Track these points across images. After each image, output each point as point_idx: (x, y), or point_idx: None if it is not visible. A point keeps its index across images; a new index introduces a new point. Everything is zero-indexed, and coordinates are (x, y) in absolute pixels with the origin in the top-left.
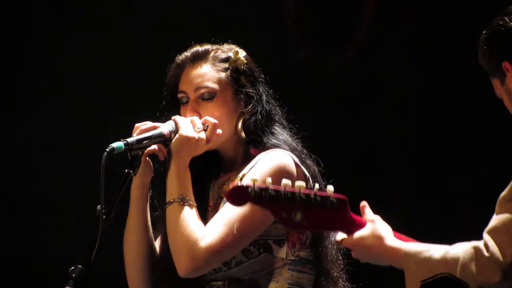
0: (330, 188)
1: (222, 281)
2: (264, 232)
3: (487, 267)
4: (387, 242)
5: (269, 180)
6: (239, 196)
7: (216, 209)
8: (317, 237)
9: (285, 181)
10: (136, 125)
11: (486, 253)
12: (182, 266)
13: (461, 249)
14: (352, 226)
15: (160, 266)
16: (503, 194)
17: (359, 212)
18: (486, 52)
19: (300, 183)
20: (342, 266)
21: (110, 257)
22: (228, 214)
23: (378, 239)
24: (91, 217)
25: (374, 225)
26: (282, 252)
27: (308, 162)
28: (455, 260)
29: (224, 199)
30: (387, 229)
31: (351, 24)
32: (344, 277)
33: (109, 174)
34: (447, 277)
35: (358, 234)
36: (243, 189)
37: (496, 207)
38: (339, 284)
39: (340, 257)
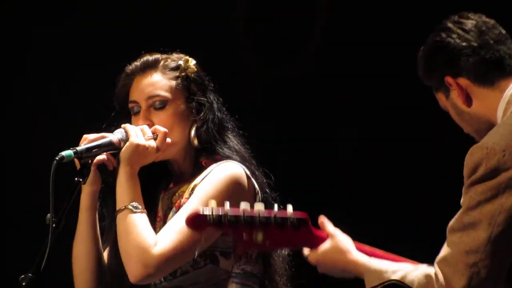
0: (290, 208)
1: None
2: (212, 244)
3: None
4: (349, 256)
5: (227, 204)
6: (198, 223)
7: (165, 219)
8: (264, 252)
9: (243, 205)
10: (84, 136)
11: (435, 285)
12: (134, 273)
13: (416, 276)
14: (315, 241)
15: (107, 276)
16: (451, 223)
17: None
18: (426, 68)
19: (259, 206)
20: (288, 278)
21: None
22: (180, 222)
23: (340, 253)
24: (42, 226)
25: (335, 239)
26: (228, 265)
27: (257, 173)
28: (411, 286)
29: (174, 209)
30: (348, 242)
31: (303, 34)
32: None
33: (59, 183)
34: (396, 284)
35: (320, 249)
36: (202, 216)
37: (447, 236)
38: None
39: (287, 269)
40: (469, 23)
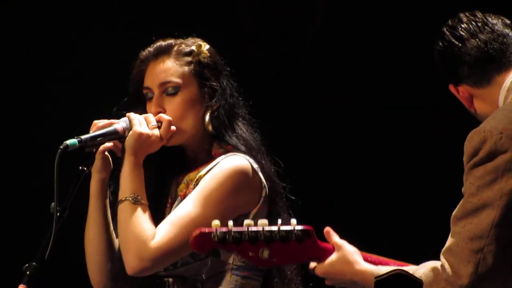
0: (293, 221)
1: (170, 277)
2: None
3: None
4: (357, 267)
5: (231, 222)
6: (203, 242)
7: (171, 208)
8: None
9: (247, 221)
10: (94, 121)
11: (443, 276)
12: (130, 265)
13: (423, 273)
14: (321, 253)
15: (116, 261)
16: (454, 212)
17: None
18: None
19: (263, 221)
20: (293, 269)
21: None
22: (181, 215)
23: (348, 264)
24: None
25: (342, 251)
26: (229, 257)
27: (264, 162)
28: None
29: (179, 198)
30: (355, 253)
31: (303, 22)
32: (296, 279)
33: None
34: (400, 273)
35: (327, 261)
36: (206, 235)
37: (451, 226)
38: (292, 287)
39: None
40: (461, 28)
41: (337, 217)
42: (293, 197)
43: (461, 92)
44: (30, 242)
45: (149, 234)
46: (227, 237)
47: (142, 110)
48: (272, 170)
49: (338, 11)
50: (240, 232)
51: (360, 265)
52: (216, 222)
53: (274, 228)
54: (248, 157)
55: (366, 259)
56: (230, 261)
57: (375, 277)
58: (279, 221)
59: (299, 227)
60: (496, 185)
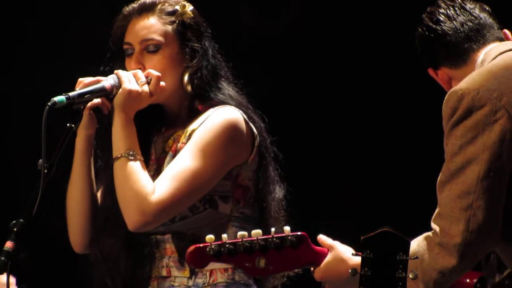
0: (287, 228)
1: (162, 235)
2: (211, 188)
3: (441, 254)
4: (352, 263)
5: (225, 235)
6: (198, 257)
7: (159, 163)
8: (261, 194)
9: (241, 233)
10: (80, 79)
11: (436, 240)
12: (132, 221)
13: (418, 244)
14: (317, 258)
15: (100, 216)
16: (439, 178)
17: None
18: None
19: (256, 231)
20: (284, 223)
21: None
22: (180, 169)
23: (342, 262)
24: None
25: (335, 251)
26: (227, 209)
27: (255, 118)
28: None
29: (171, 153)
30: (347, 251)
31: None
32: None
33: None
34: (387, 231)
35: (323, 264)
36: (202, 249)
37: (437, 194)
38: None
39: (283, 213)
40: (438, 13)
41: (324, 174)
42: (280, 154)
43: (440, 75)
44: (17, 199)
45: (149, 189)
46: (222, 249)
47: (121, 65)
48: (262, 125)
49: None
50: (235, 244)
51: (354, 261)
52: (210, 236)
53: (268, 236)
54: (238, 109)
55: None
56: (228, 212)
57: (362, 236)
58: (273, 229)
59: (293, 234)
60: (478, 141)
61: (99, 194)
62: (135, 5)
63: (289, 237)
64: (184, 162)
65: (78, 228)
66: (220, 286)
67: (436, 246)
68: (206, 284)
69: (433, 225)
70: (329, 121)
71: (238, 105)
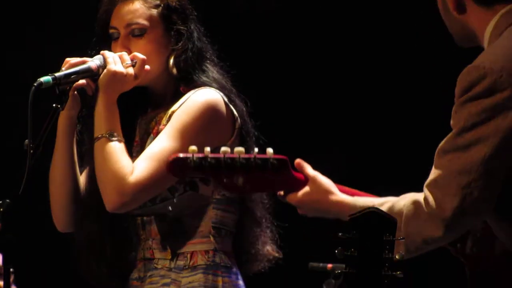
0: (270, 150)
1: (146, 217)
2: None
3: (429, 223)
4: (334, 198)
5: (208, 148)
6: (179, 167)
7: (142, 145)
8: (245, 195)
9: (224, 148)
10: (67, 59)
11: (425, 209)
12: (110, 201)
13: (404, 205)
14: (295, 184)
15: (85, 201)
16: (441, 145)
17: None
18: None
19: (239, 149)
20: (267, 207)
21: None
22: (158, 150)
23: (324, 193)
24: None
25: (317, 180)
26: (208, 191)
27: (237, 101)
28: (399, 216)
29: (152, 135)
30: (329, 184)
31: None
32: (268, 217)
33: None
34: (374, 211)
35: (302, 191)
36: (183, 160)
37: (435, 159)
38: (263, 224)
39: (265, 198)
40: None
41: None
42: (263, 138)
43: None
44: (4, 179)
45: (127, 169)
46: (203, 162)
47: (107, 49)
48: (244, 109)
49: None
50: (217, 159)
51: (336, 195)
52: (193, 148)
53: (250, 156)
54: (218, 91)
55: (341, 191)
56: (209, 194)
57: (348, 216)
58: (256, 149)
59: (275, 157)
60: (492, 122)
61: (84, 176)
62: None
63: (270, 160)
64: (162, 143)
65: (60, 209)
66: (200, 268)
67: (424, 214)
68: (187, 267)
69: (426, 192)
70: (316, 106)
71: (220, 88)
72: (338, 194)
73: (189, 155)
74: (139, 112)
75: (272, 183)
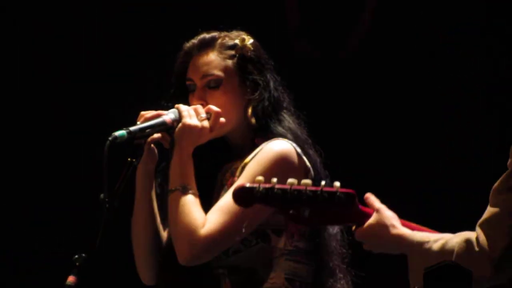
0: (337, 183)
1: (222, 269)
2: (263, 222)
3: (478, 263)
4: (394, 231)
5: (275, 179)
6: (245, 197)
7: (217, 197)
8: (316, 229)
9: (291, 180)
10: (142, 113)
11: (476, 248)
12: (182, 254)
13: (457, 242)
14: (362, 218)
15: (164, 254)
16: (495, 185)
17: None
18: None
19: (306, 181)
20: (344, 257)
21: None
22: (229, 202)
23: (384, 228)
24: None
25: (380, 215)
26: (280, 242)
27: (310, 152)
28: (451, 254)
29: (226, 187)
30: (392, 217)
31: (352, 15)
32: (343, 267)
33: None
34: (450, 264)
35: (366, 225)
36: (249, 190)
37: (490, 198)
38: (338, 276)
39: (339, 248)
40: None
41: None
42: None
43: None
44: (80, 233)
45: (199, 222)
46: (269, 193)
47: (185, 101)
48: (318, 160)
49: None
50: (283, 190)
51: (397, 229)
52: (259, 178)
53: (318, 189)
54: (291, 142)
55: (404, 225)
56: (281, 245)
57: (425, 269)
58: (323, 182)
59: (343, 190)
60: None
61: (166, 232)
62: (195, 40)
63: (338, 193)
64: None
65: (143, 261)
66: None
67: (475, 253)
68: None
69: (478, 231)
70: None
71: (295, 138)
72: (399, 228)
73: (255, 185)
74: (218, 163)
75: (339, 217)
